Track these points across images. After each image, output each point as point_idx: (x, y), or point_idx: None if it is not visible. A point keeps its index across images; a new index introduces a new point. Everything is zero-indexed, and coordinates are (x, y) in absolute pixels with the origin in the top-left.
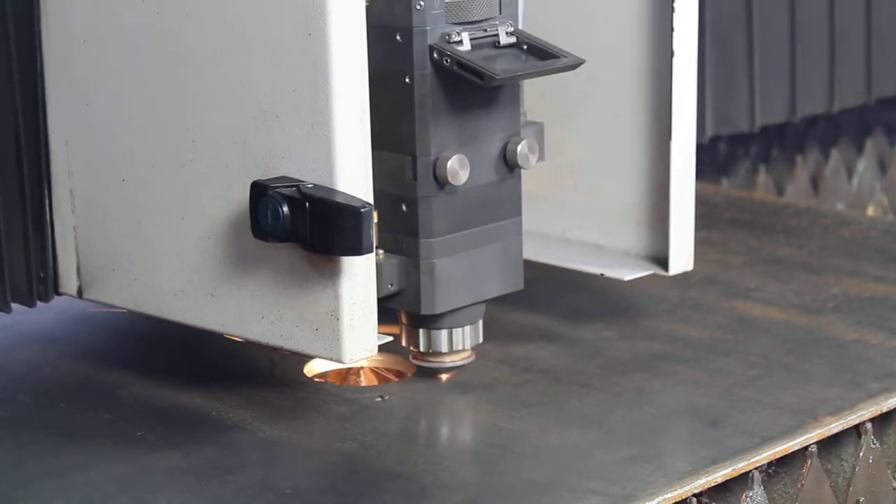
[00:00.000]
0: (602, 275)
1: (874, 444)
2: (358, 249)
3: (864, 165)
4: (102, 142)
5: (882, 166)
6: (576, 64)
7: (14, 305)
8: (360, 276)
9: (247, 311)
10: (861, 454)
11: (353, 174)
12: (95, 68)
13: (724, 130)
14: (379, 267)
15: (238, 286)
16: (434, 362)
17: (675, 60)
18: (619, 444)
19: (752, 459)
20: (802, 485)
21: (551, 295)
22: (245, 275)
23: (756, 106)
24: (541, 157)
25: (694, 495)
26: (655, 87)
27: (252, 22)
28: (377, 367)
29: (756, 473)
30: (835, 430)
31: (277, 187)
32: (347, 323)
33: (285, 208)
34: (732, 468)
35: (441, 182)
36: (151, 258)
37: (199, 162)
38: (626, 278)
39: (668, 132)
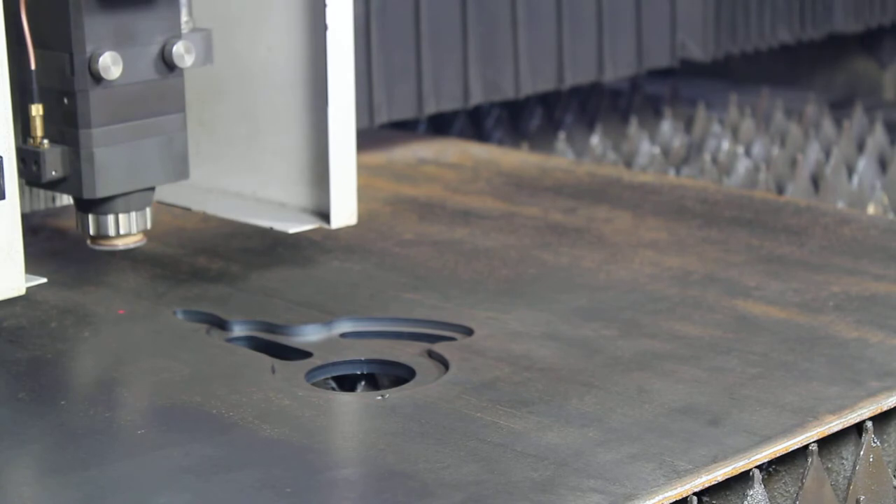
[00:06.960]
0: (271, 228)
1: (874, 442)
2: None
3: (864, 164)
4: None
5: (882, 165)
6: None
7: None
8: (2, 222)
9: None
10: (861, 453)
11: None
12: None
13: (491, 97)
14: (43, 155)
15: None
16: (105, 245)
17: (328, 34)
18: (619, 442)
19: (753, 458)
20: (803, 483)
21: (551, 294)
22: None
23: (521, 74)
24: (208, 61)
25: (694, 494)
26: (321, 59)
27: None
28: None
29: (756, 472)
30: (835, 429)
31: None
32: None
33: None
34: (733, 467)
35: (96, 77)
36: None
37: None
38: (291, 231)
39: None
